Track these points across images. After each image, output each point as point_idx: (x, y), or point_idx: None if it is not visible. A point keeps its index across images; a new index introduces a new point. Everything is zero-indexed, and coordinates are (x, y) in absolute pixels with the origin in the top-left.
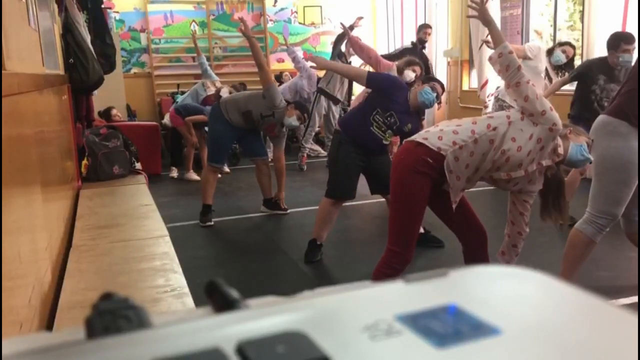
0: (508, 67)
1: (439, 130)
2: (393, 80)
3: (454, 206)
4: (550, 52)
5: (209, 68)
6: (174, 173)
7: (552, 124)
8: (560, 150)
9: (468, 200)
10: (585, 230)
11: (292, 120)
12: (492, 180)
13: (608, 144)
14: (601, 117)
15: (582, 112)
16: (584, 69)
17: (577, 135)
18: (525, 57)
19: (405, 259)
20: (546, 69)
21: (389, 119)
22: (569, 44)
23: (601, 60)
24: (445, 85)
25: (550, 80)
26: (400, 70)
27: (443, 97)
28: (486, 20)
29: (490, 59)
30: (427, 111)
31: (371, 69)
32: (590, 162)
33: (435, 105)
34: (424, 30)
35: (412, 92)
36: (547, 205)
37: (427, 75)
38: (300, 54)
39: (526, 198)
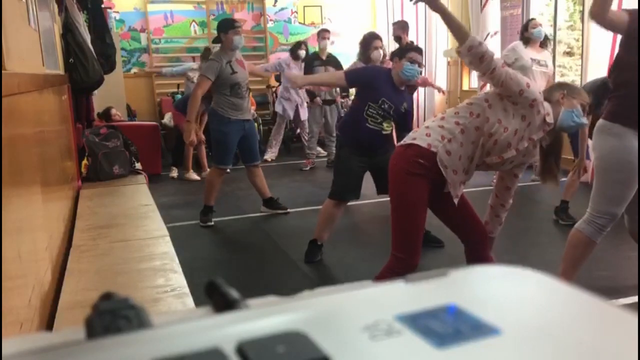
0: (483, 58)
1: (425, 128)
2: (371, 70)
3: (455, 201)
4: (525, 28)
5: (183, 64)
6: (174, 173)
7: (532, 100)
8: (549, 119)
9: (469, 200)
10: (585, 230)
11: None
12: (487, 166)
13: (603, 145)
14: (598, 121)
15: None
16: (599, 99)
17: (571, 99)
18: (509, 65)
19: (410, 265)
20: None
21: (382, 106)
22: (534, 18)
23: (604, 83)
24: (422, 50)
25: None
26: (367, 56)
27: (443, 98)
28: (436, 7)
29: (459, 52)
30: (427, 105)
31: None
32: (583, 125)
33: (421, 76)
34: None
35: (393, 73)
36: (549, 165)
37: (399, 48)
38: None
39: (517, 172)
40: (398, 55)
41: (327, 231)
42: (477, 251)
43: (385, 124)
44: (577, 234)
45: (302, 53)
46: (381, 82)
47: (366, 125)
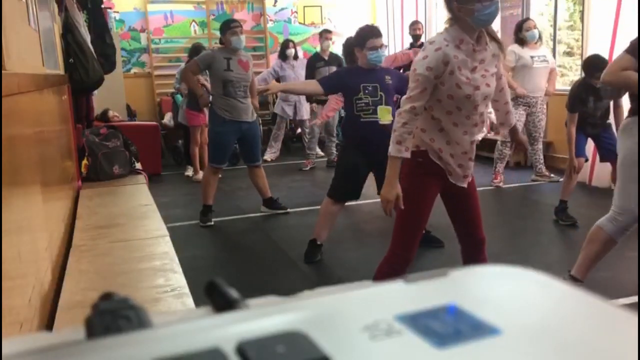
0: (405, 126)
1: None
2: (340, 71)
3: (465, 184)
4: (519, 29)
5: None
6: (189, 171)
7: (444, 66)
8: (466, 44)
9: (478, 205)
10: (606, 227)
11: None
12: (481, 122)
13: (624, 143)
14: (624, 120)
15: (581, 127)
16: (577, 99)
17: (467, 2)
18: (514, 68)
19: (406, 260)
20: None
21: (366, 91)
22: (528, 19)
23: (585, 82)
24: (378, 30)
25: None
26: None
27: None
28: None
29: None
30: None
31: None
32: (498, 8)
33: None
34: (413, 27)
35: (361, 64)
36: None
37: (356, 38)
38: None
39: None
40: (359, 45)
41: (326, 230)
42: (471, 257)
43: (380, 112)
44: (597, 230)
45: (291, 52)
46: (353, 75)
47: (361, 120)
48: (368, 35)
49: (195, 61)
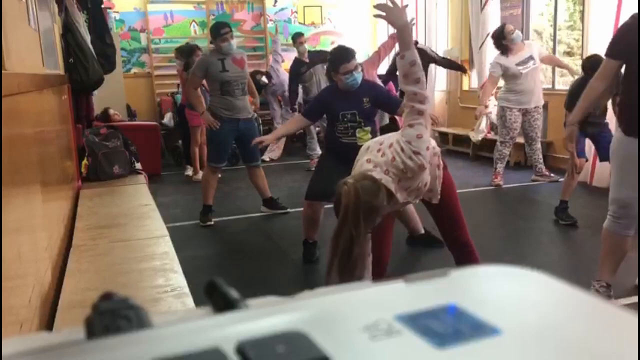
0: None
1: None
2: (319, 96)
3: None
4: (502, 37)
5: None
6: (189, 171)
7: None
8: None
9: (458, 210)
10: (606, 224)
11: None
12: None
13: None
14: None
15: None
16: (576, 97)
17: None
18: (500, 77)
19: (379, 260)
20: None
21: (345, 118)
22: (505, 24)
23: (585, 81)
24: (349, 53)
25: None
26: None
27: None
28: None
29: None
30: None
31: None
32: None
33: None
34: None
35: (340, 86)
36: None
37: (330, 64)
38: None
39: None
40: (334, 71)
41: (312, 230)
42: (461, 257)
43: (359, 134)
44: (604, 232)
45: (264, 82)
46: (332, 100)
47: (340, 141)
48: (340, 60)
49: (194, 73)
